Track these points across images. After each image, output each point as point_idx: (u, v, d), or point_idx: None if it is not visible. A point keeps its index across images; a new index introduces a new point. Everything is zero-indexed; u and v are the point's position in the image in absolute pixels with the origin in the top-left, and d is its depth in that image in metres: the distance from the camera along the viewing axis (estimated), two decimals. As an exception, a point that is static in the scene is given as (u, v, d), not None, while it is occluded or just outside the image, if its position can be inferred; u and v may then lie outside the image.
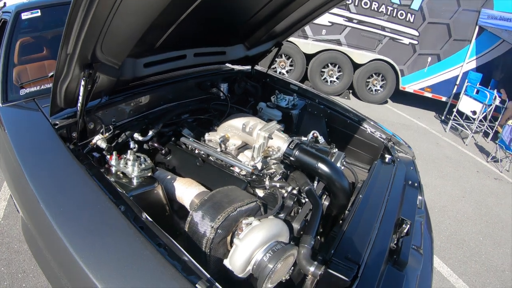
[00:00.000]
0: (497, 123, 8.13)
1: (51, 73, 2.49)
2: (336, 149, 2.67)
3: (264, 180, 2.24)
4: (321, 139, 2.94)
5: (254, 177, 2.26)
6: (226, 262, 1.66)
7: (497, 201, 5.73)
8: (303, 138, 2.86)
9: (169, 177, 2.16)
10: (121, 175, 1.90)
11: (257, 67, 3.94)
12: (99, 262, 1.27)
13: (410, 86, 9.32)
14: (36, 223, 1.60)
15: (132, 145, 2.33)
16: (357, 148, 3.37)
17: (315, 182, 2.48)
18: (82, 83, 1.77)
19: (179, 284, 1.19)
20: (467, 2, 8.38)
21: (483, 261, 4.22)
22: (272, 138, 2.43)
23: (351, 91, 9.96)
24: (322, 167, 2.25)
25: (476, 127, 8.06)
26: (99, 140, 2.09)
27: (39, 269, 3.03)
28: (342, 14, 8.73)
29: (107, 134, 2.18)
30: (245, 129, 2.49)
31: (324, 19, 8.78)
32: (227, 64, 3.63)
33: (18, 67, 2.70)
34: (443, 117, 9.40)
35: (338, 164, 2.51)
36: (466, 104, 8.18)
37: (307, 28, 8.94)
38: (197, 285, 1.20)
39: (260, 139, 2.39)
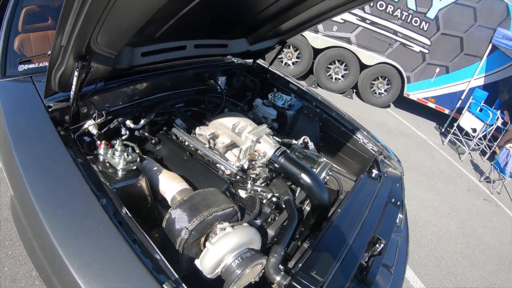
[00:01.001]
0: (496, 143, 8.10)
1: (49, 52, 2.36)
2: (324, 159, 2.68)
3: (247, 182, 2.26)
4: (311, 145, 2.94)
5: (238, 177, 2.28)
6: (197, 262, 1.73)
7: (482, 223, 5.74)
8: (293, 142, 2.86)
9: (155, 168, 2.18)
10: (107, 164, 1.90)
11: (260, 61, 3.87)
12: (76, 251, 1.31)
13: (415, 94, 9.26)
14: (20, 201, 1.63)
15: (123, 131, 2.34)
16: (347, 157, 3.36)
17: (298, 189, 2.48)
18: (76, 73, 1.78)
19: (147, 284, 1.24)
20: (484, 19, 8.25)
21: (457, 282, 4.26)
22: (259, 142, 2.41)
23: (354, 90, 9.88)
24: (305, 178, 2.24)
25: (474, 145, 8.04)
26: (90, 126, 2.09)
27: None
28: (355, 13, 8.59)
29: (99, 120, 2.18)
30: (235, 129, 2.48)
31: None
32: (230, 57, 3.56)
33: (22, 35, 2.65)
34: (443, 130, 9.36)
35: (323, 175, 2.53)
36: (468, 121, 8.14)
37: (318, 22, 8.78)
38: (164, 285, 1.25)
39: (248, 142, 2.38)
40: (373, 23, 8.68)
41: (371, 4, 8.46)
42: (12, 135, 1.77)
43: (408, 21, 8.55)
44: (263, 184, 2.37)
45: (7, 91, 2.16)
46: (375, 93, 9.52)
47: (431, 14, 8.40)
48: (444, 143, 8.64)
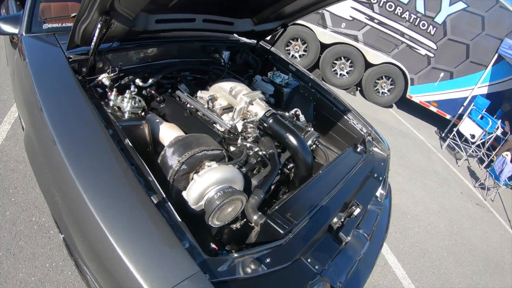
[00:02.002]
0: (494, 152, 8.14)
1: (73, 14, 2.69)
2: (312, 129, 2.88)
3: (238, 139, 2.46)
4: (302, 117, 3.13)
5: (231, 135, 2.48)
6: (184, 193, 1.89)
7: (472, 225, 5.81)
8: (286, 114, 3.05)
9: (157, 120, 2.41)
10: (116, 108, 2.12)
11: (264, 44, 4.07)
12: (83, 167, 1.52)
13: (417, 96, 9.34)
14: (37, 131, 1.87)
15: (132, 88, 2.48)
16: (337, 135, 3.50)
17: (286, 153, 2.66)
18: (99, 26, 1.99)
19: (137, 195, 1.44)
20: (492, 28, 8.31)
21: (440, 275, 4.34)
22: (252, 104, 2.63)
23: (359, 88, 9.99)
24: (290, 137, 2.45)
25: (472, 151, 8.10)
26: (104, 78, 2.32)
27: (29, 187, 3.36)
28: (364, 12, 8.70)
29: (112, 74, 2.43)
30: (231, 92, 2.68)
31: (345, 13, 8.78)
32: (236, 36, 3.80)
33: (43, 3, 2.92)
34: (443, 134, 9.43)
35: (309, 142, 2.72)
36: (467, 127, 8.20)
37: (327, 18, 8.94)
38: (152, 197, 1.45)
39: (242, 103, 2.59)
40: (381, 23, 8.78)
41: (380, 4, 8.58)
42: (35, 77, 2.00)
43: (416, 24, 8.64)
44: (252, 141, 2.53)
45: (32, 44, 2.43)
46: (378, 92, 9.61)
47: (439, 19, 8.49)
48: (442, 147, 8.72)
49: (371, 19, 8.75)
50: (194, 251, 1.38)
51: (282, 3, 3.09)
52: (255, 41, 3.93)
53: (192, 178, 1.92)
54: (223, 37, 3.67)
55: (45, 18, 2.73)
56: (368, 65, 9.22)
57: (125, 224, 1.34)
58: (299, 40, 9.29)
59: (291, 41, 9.38)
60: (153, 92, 2.69)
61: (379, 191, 2.75)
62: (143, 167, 1.64)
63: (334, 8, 8.79)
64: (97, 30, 2.02)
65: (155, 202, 1.45)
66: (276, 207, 1.85)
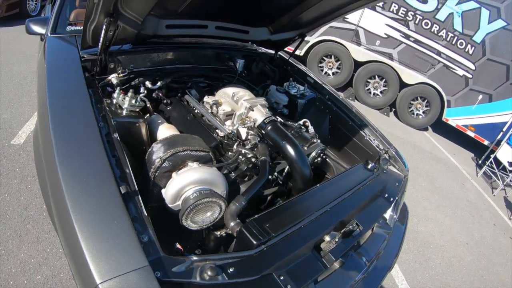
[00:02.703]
0: (534, 183, 7.56)
1: None
2: (318, 140, 2.76)
3: (229, 144, 2.46)
4: (311, 129, 3.00)
5: (229, 140, 2.47)
6: (162, 191, 1.90)
7: (504, 261, 5.32)
8: (291, 123, 2.98)
9: (159, 121, 2.47)
10: (118, 105, 2.23)
11: (285, 55, 4.02)
12: (66, 151, 1.62)
13: (454, 119, 8.87)
14: (41, 121, 2.02)
15: (142, 90, 2.64)
16: (352, 151, 3.33)
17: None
18: (104, 27, 2.10)
19: (106, 184, 1.49)
20: (534, 48, 7.79)
21: (460, 313, 3.97)
22: (253, 110, 2.60)
23: (393, 109, 9.66)
24: (287, 146, 2.36)
25: (510, 180, 7.54)
26: (113, 78, 2.47)
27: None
28: (399, 29, 8.44)
29: (121, 74, 2.53)
30: (234, 97, 2.67)
31: (380, 30, 8.56)
32: (255, 46, 3.82)
33: (77, 9, 3.26)
34: (480, 161, 8.85)
35: (313, 154, 2.63)
36: (506, 154, 7.64)
37: (361, 35, 8.74)
38: (120, 187, 1.47)
39: (242, 108, 2.58)
40: (416, 41, 8.48)
41: (416, 22, 8.31)
42: (48, 72, 2.17)
43: (453, 42, 8.26)
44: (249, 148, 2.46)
45: (54, 43, 2.65)
46: (413, 113, 9.25)
47: (478, 37, 8.08)
48: (478, 174, 8.19)
49: (407, 37, 8.47)
50: (151, 246, 1.37)
51: (297, 11, 3.02)
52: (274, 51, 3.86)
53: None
54: (240, 45, 3.65)
55: (69, 21, 2.94)
56: (402, 85, 8.92)
57: (88, 209, 1.38)
58: (332, 57, 9.17)
59: (324, 58, 9.26)
60: (160, 94, 2.74)
61: (389, 213, 2.54)
62: (123, 159, 1.68)
63: (368, 25, 8.60)
64: (103, 31, 2.12)
65: (122, 192, 1.47)
66: (256, 216, 1.75)
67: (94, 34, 2.21)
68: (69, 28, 2.91)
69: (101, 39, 2.18)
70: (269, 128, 2.48)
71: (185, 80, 3.08)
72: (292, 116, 3.39)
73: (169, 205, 1.86)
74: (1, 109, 4.69)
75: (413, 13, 8.29)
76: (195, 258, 1.42)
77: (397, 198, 2.60)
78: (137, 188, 1.57)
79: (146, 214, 1.48)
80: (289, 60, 3.91)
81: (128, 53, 2.73)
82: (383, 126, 8.45)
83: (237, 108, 2.64)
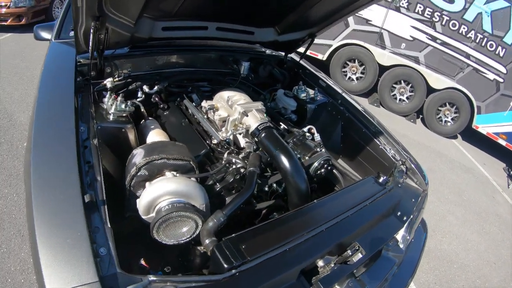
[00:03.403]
0: None
1: None
2: (323, 149, 2.50)
3: (223, 152, 2.30)
4: (317, 136, 2.77)
5: (221, 148, 2.35)
6: (137, 201, 1.80)
7: (535, 282, 4.87)
8: (305, 129, 2.76)
9: (152, 126, 2.43)
10: (107, 111, 2.21)
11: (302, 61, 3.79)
12: (42, 156, 1.61)
13: (484, 127, 8.32)
14: (29, 125, 2.01)
15: (139, 94, 2.62)
16: (365, 161, 3.06)
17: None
18: (91, 31, 2.06)
19: (71, 191, 1.43)
20: None
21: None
22: (247, 116, 2.41)
23: (421, 116, 9.21)
24: (280, 156, 2.14)
25: (546, 194, 7.00)
26: (108, 82, 2.40)
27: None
28: (426, 31, 8.03)
29: (117, 78, 2.52)
30: (228, 101, 2.53)
31: (406, 32, 8.18)
32: (265, 49, 3.63)
33: None
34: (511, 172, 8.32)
35: (315, 164, 2.38)
36: (541, 165, 7.13)
37: (385, 38, 8.37)
38: (85, 196, 1.41)
39: (236, 113, 2.41)
40: (444, 44, 8.03)
41: (443, 23, 7.88)
42: (42, 78, 2.20)
43: (483, 44, 7.76)
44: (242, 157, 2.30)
45: (55, 48, 2.68)
46: (441, 120, 8.77)
47: (509, 38, 7.56)
48: (509, 186, 7.64)
49: (433, 39, 8.04)
50: (109, 260, 1.29)
51: (304, 9, 2.80)
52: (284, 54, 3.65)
53: None
54: (246, 47, 3.46)
55: (72, 27, 2.90)
56: (430, 90, 8.48)
57: (49, 216, 1.35)
58: (356, 61, 8.85)
59: (348, 62, 8.95)
60: (157, 99, 2.70)
61: (401, 234, 2.24)
62: (97, 166, 1.63)
63: (393, 27, 8.24)
64: (91, 35, 2.08)
65: (86, 200, 1.40)
66: (233, 235, 1.57)
67: (86, 38, 2.17)
68: (71, 33, 2.82)
69: (91, 43, 2.13)
70: (263, 135, 2.29)
71: (185, 84, 2.99)
72: (301, 122, 3.16)
73: (143, 217, 1.76)
74: (18, 112, 4.81)
75: (439, 14, 7.87)
76: (153, 278, 1.28)
77: (411, 216, 2.30)
78: (104, 198, 1.50)
79: (109, 226, 1.40)
80: (300, 62, 3.66)
81: (125, 56, 2.68)
82: (410, 134, 8.11)
83: (231, 113, 2.47)
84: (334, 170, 2.59)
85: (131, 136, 2.22)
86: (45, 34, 3.08)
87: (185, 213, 1.65)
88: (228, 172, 2.12)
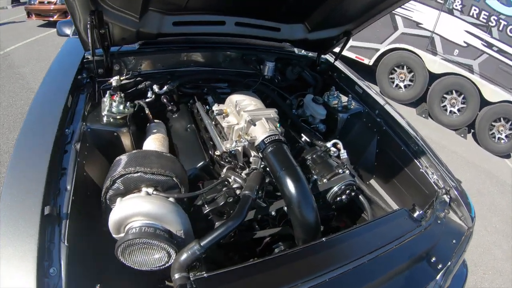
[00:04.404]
0: None
1: None
2: (347, 171, 2.13)
3: (226, 165, 2.07)
4: (343, 153, 2.39)
5: (225, 160, 2.14)
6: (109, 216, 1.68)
7: None
8: (328, 145, 2.41)
9: (154, 130, 2.29)
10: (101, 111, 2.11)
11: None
12: (20, 155, 1.60)
13: (543, 147, 7.50)
14: None
15: (149, 94, 2.49)
16: (402, 186, 2.60)
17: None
18: (89, 26, 1.97)
19: (33, 200, 1.36)
20: None
21: None
22: (255, 125, 2.08)
23: (472, 130, 8.44)
24: (285, 179, 1.78)
25: None
26: (114, 80, 2.31)
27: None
28: (481, 37, 7.33)
29: (125, 77, 2.44)
30: (237, 107, 2.24)
31: (459, 37, 7.52)
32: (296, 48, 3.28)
33: None
34: None
35: (334, 189, 2.04)
36: None
37: (437, 43, 7.75)
38: (45, 207, 1.34)
39: (242, 122, 2.10)
40: (501, 51, 7.28)
41: (500, 28, 7.15)
42: (47, 74, 2.23)
43: (546, 54, 6.96)
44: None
45: (69, 44, 2.67)
46: (494, 137, 7.97)
47: None
48: None
49: (489, 46, 7.32)
50: (56, 282, 1.21)
51: (335, 1, 2.45)
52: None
53: None
54: (272, 46, 3.13)
55: None
56: (484, 102, 7.74)
57: (6, 224, 1.28)
58: (404, 67, 8.34)
59: (395, 68, 8.45)
60: (165, 100, 2.56)
61: (432, 286, 1.80)
62: (71, 174, 1.56)
63: (445, 32, 7.61)
64: (89, 31, 1.98)
65: (46, 213, 1.32)
66: (204, 275, 1.33)
67: (87, 34, 2.06)
68: None
69: (89, 39, 2.04)
70: (269, 150, 1.92)
71: (200, 84, 2.79)
72: (331, 134, 2.81)
73: (113, 235, 1.62)
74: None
75: (496, 18, 7.15)
76: None
77: (449, 263, 1.84)
78: (69, 211, 1.42)
79: (67, 244, 1.30)
80: (335, 64, 3.26)
81: (135, 54, 2.56)
82: (459, 150, 7.48)
83: (239, 120, 2.17)
84: (360, 197, 2.19)
85: (126, 141, 2.08)
86: (67, 30, 3.06)
87: (152, 241, 1.48)
88: (220, 194, 1.83)
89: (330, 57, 3.37)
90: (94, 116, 2.06)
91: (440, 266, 1.78)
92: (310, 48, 3.17)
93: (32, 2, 12.03)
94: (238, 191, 1.86)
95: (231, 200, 1.82)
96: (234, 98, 2.33)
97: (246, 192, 1.73)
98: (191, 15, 2.49)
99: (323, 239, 1.59)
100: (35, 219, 1.29)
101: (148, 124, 2.40)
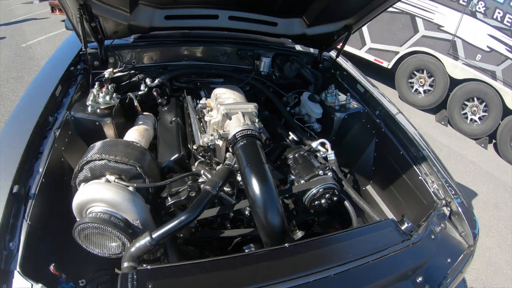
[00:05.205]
0: None
1: None
2: (329, 173, 2.02)
3: (199, 159, 2.06)
4: (330, 154, 2.28)
5: (200, 154, 2.08)
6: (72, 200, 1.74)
7: None
8: (313, 144, 2.32)
9: (140, 122, 2.39)
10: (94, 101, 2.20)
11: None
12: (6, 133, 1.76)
13: None
14: None
15: (142, 87, 2.57)
16: (399, 194, 2.41)
17: None
18: (78, 20, 2.07)
19: (5, 178, 1.46)
20: None
21: None
22: (230, 119, 2.02)
23: (494, 141, 8.04)
24: (250, 176, 1.69)
25: None
26: (107, 72, 2.41)
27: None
28: (505, 42, 6.97)
29: (117, 69, 2.55)
30: (216, 100, 2.21)
31: (482, 41, 7.19)
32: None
33: None
34: None
35: (313, 191, 1.93)
36: None
37: (459, 47, 7.44)
38: (14, 186, 1.44)
39: (219, 115, 2.06)
40: (526, 58, 6.93)
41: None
42: (45, 65, 2.46)
43: None
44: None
45: (70, 37, 2.71)
46: (517, 148, 7.60)
47: None
48: None
49: (514, 51, 7.01)
50: (12, 256, 1.29)
51: None
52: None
53: None
54: (271, 41, 3.09)
55: None
56: (506, 111, 7.37)
57: None
58: (424, 72, 8.06)
59: (415, 72, 8.19)
60: (155, 93, 2.59)
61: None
62: (45, 158, 1.68)
63: (468, 35, 7.30)
64: (79, 24, 2.09)
65: (14, 191, 1.43)
66: (147, 267, 1.31)
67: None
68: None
69: (80, 32, 2.15)
70: (239, 145, 1.85)
71: (193, 79, 2.84)
72: (326, 134, 2.68)
73: (76, 217, 1.69)
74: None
75: (521, 22, 6.81)
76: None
77: (440, 285, 1.62)
78: (36, 191, 1.53)
79: (29, 222, 1.40)
80: (337, 61, 3.11)
81: (130, 47, 2.65)
82: (478, 161, 7.14)
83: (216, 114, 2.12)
84: (346, 202, 2.00)
85: (109, 131, 2.17)
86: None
87: (105, 227, 1.54)
88: (184, 188, 1.84)
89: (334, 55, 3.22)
90: (79, 105, 2.15)
91: (426, 287, 1.56)
92: (310, 44, 3.07)
93: (57, -3, 12.30)
94: (202, 186, 1.78)
95: (193, 194, 1.80)
96: (216, 91, 2.32)
97: (207, 187, 1.68)
98: (183, 9, 2.52)
99: (286, 244, 1.46)
100: (3, 196, 1.39)
101: (137, 116, 2.50)
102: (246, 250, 1.80)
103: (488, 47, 7.19)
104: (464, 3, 7.10)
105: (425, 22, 7.54)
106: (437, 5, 7.33)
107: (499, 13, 6.94)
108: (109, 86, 2.24)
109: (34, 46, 9.35)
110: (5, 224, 1.33)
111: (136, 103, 2.48)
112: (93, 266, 1.76)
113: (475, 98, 7.69)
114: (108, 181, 1.71)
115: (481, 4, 6.98)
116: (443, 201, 2.04)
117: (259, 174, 1.67)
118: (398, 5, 7.37)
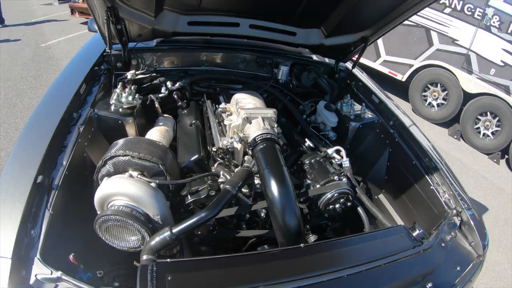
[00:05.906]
0: None
1: None
2: (344, 179, 2.06)
3: (218, 161, 2.12)
4: (345, 161, 2.32)
5: (220, 156, 2.13)
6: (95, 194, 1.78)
7: None
8: (328, 151, 2.37)
9: (161, 124, 2.46)
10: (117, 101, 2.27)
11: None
12: (32, 126, 1.86)
13: None
14: None
15: (163, 90, 2.64)
16: (411, 203, 2.45)
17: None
18: (105, 22, 2.16)
19: (24, 172, 1.52)
20: None
21: None
22: (250, 123, 2.08)
23: (506, 156, 7.93)
24: (269, 178, 1.73)
25: None
26: (129, 74, 2.49)
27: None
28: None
29: (140, 71, 2.64)
30: (236, 105, 2.29)
31: (496, 56, 7.12)
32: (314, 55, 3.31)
33: None
34: None
35: (328, 196, 1.95)
36: None
37: (473, 61, 7.40)
38: (38, 176, 1.49)
39: (239, 119, 2.13)
40: (540, 74, 6.82)
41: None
42: (68, 64, 2.52)
43: None
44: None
45: (95, 38, 2.75)
46: (530, 165, 7.51)
47: None
48: None
49: (528, 66, 6.90)
50: (34, 244, 1.33)
51: (348, 3, 2.39)
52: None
53: None
54: (290, 51, 3.17)
55: None
56: (520, 128, 7.29)
57: (7, 187, 1.44)
58: (438, 85, 8.01)
59: (429, 85, 8.15)
60: (176, 96, 2.67)
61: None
62: (69, 152, 1.75)
63: (482, 49, 7.26)
64: (105, 26, 2.18)
65: (38, 181, 1.48)
66: (168, 260, 1.35)
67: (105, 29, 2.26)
68: None
69: (106, 34, 2.23)
70: (259, 148, 1.91)
71: (213, 84, 2.91)
72: (341, 142, 2.71)
73: (97, 210, 1.73)
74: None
75: (536, 37, 6.70)
76: (62, 276, 1.25)
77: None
78: (60, 183, 1.58)
79: (51, 212, 1.45)
80: (353, 72, 3.17)
81: (152, 50, 2.74)
82: (489, 176, 7.07)
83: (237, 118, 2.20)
84: (358, 208, 2.05)
85: (130, 129, 2.25)
86: (95, 26, 3.50)
87: (127, 220, 1.57)
88: (204, 186, 1.88)
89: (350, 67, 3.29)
90: (103, 104, 2.23)
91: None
92: (327, 54, 3.14)
93: (77, 0, 12.49)
94: (222, 186, 1.82)
95: (213, 193, 1.85)
96: (237, 96, 2.39)
97: (227, 186, 1.71)
98: (206, 16, 2.60)
99: (301, 245, 1.51)
100: (28, 186, 1.43)
101: (158, 117, 2.57)
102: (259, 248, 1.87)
103: (502, 61, 7.13)
104: (478, 17, 7.06)
105: (439, 36, 7.52)
106: (452, 19, 7.31)
107: (514, 27, 6.89)
108: (132, 87, 2.31)
109: (53, 46, 9.56)
110: (28, 212, 1.38)
111: (157, 105, 2.54)
112: (110, 260, 1.77)
113: (488, 113, 7.60)
114: (131, 176, 1.76)
115: (496, 18, 6.94)
116: (454, 211, 2.08)
117: (278, 176, 1.72)
118: (413, 18, 7.35)
